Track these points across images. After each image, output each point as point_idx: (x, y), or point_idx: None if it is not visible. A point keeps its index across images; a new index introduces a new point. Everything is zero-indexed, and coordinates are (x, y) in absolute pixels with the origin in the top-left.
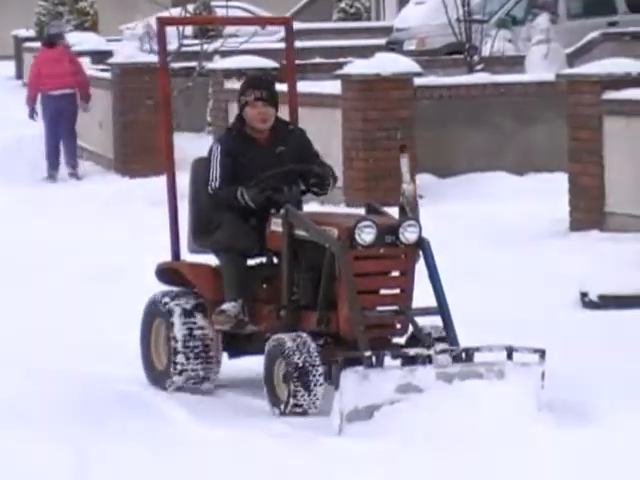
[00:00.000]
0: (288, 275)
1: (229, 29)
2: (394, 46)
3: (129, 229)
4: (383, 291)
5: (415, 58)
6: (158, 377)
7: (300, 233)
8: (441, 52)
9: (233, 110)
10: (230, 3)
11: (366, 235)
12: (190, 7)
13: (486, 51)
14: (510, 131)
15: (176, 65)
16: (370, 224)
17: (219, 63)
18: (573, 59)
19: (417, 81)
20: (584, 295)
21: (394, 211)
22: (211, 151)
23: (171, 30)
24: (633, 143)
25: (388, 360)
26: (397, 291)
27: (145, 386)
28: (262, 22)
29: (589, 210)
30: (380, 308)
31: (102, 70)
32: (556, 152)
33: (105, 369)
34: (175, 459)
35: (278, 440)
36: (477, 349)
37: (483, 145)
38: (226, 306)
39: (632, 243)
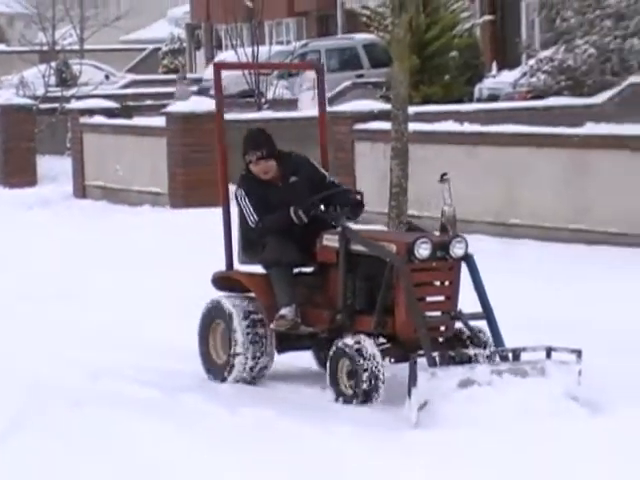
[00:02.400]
0: (343, 284)
1: (82, 79)
2: (204, 91)
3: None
4: (434, 298)
5: None
6: (217, 371)
7: (355, 247)
8: (237, 96)
9: (86, 139)
10: (83, 61)
11: (423, 250)
12: (53, 63)
13: (270, 95)
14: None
15: (43, 106)
16: (427, 241)
17: (75, 104)
18: (333, 101)
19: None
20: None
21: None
22: (237, 196)
23: (38, 80)
24: (375, 160)
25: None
26: (445, 298)
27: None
28: (295, 67)
29: None
30: (430, 313)
31: None
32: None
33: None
34: (252, 447)
35: (357, 431)
36: (523, 349)
37: None
38: (284, 311)
39: None
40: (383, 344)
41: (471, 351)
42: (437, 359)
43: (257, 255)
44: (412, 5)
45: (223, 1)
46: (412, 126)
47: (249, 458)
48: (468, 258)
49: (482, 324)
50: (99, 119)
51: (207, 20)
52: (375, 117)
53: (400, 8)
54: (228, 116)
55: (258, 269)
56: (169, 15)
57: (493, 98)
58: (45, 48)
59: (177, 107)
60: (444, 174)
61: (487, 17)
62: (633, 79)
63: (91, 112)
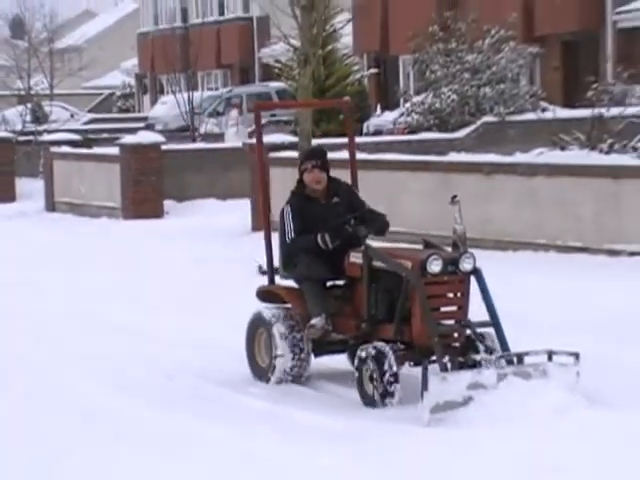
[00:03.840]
0: (367, 296)
1: (52, 117)
2: (149, 127)
3: None
4: (446, 308)
5: (161, 134)
6: (261, 372)
7: (377, 264)
8: (176, 130)
9: (55, 165)
10: (53, 103)
11: (435, 266)
12: (28, 105)
13: (202, 130)
14: (218, 174)
15: (20, 138)
16: (438, 257)
17: (46, 137)
18: (252, 134)
19: (164, 147)
20: (260, 267)
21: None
22: (283, 211)
23: (17, 118)
24: (285, 182)
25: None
26: (456, 308)
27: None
28: (327, 104)
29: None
30: (444, 322)
31: None
32: (244, 185)
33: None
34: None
35: (378, 425)
36: (526, 353)
37: (204, 182)
38: (314, 321)
39: None
40: (401, 350)
41: (478, 356)
42: (447, 364)
43: (292, 271)
44: (314, 60)
45: (164, 56)
46: None
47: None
48: (477, 272)
49: (490, 331)
50: (65, 149)
51: (152, 71)
52: (286, 147)
53: (305, 62)
54: (168, 146)
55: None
56: (122, 67)
57: (378, 132)
58: (22, 92)
59: (127, 139)
60: (454, 196)
61: (373, 70)
62: (486, 119)
63: (59, 143)
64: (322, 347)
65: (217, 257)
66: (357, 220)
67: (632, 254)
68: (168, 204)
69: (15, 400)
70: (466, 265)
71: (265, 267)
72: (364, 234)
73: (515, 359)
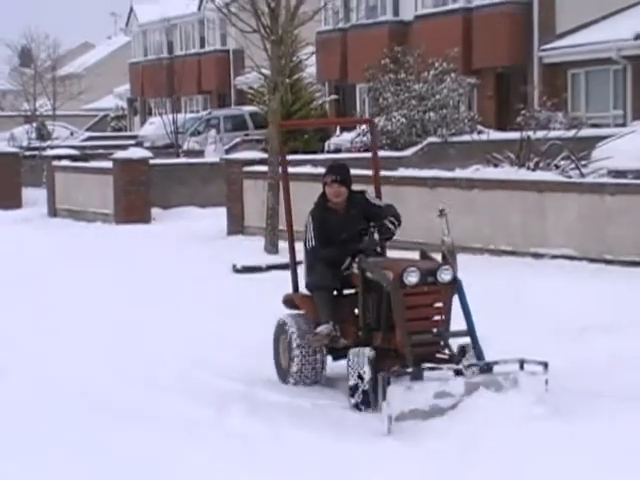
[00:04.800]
0: (363, 305)
1: (54, 135)
2: (139, 144)
3: None
4: (428, 318)
5: (149, 150)
6: (283, 375)
7: (369, 275)
8: (163, 147)
9: (57, 176)
10: (55, 123)
11: (411, 278)
12: (34, 124)
13: (185, 147)
14: (197, 186)
15: (27, 153)
16: (414, 269)
17: (49, 152)
18: (229, 151)
19: (151, 162)
20: (234, 266)
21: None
22: (307, 223)
23: (24, 135)
24: (257, 192)
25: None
26: (437, 318)
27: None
28: (351, 122)
29: (236, 224)
30: (423, 331)
31: None
32: (220, 196)
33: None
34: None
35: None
36: (496, 362)
37: (187, 193)
38: (319, 328)
39: (257, 241)
40: (380, 359)
41: (445, 366)
42: (421, 373)
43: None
44: (282, 87)
45: (152, 82)
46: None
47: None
48: (457, 283)
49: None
50: (66, 162)
51: (141, 95)
52: (257, 163)
53: (274, 89)
54: (155, 161)
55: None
56: (115, 92)
57: (337, 150)
58: (28, 113)
59: (119, 155)
60: (442, 210)
61: (333, 96)
62: (430, 139)
63: (60, 158)
64: (338, 352)
65: (198, 256)
66: (373, 229)
67: (554, 257)
68: (155, 211)
69: (17, 386)
70: (444, 276)
71: (239, 266)
72: (374, 245)
73: (484, 368)
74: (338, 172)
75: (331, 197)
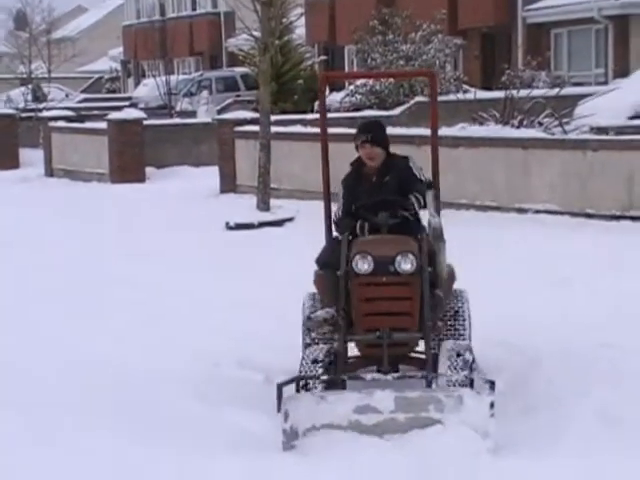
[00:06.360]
0: (343, 292)
1: (50, 97)
2: (133, 105)
3: None
4: (389, 313)
5: (143, 111)
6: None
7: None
8: (157, 108)
9: (53, 137)
10: (51, 85)
11: (361, 265)
12: (30, 86)
13: (178, 108)
14: (190, 146)
15: (23, 115)
16: (365, 256)
17: (45, 114)
18: (222, 111)
19: (145, 122)
20: (227, 223)
21: None
22: (337, 189)
23: (20, 97)
24: (249, 152)
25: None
26: (402, 314)
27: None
28: (411, 74)
29: (228, 183)
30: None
31: None
32: (212, 155)
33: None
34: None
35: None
36: (436, 376)
37: (180, 152)
38: (316, 313)
39: (249, 199)
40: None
41: (369, 375)
42: (334, 381)
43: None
44: (272, 48)
45: (145, 45)
46: (273, 129)
47: None
48: (422, 274)
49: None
50: (62, 123)
51: (135, 58)
52: (248, 122)
53: (264, 50)
54: (149, 122)
55: None
56: (109, 54)
57: (328, 110)
58: (24, 76)
59: (114, 116)
60: (430, 185)
61: (322, 57)
62: (417, 99)
63: (56, 119)
64: None
65: (192, 214)
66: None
67: (537, 212)
68: (149, 170)
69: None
70: (403, 266)
71: (232, 223)
72: (383, 222)
73: (424, 381)
74: (370, 130)
75: (365, 159)
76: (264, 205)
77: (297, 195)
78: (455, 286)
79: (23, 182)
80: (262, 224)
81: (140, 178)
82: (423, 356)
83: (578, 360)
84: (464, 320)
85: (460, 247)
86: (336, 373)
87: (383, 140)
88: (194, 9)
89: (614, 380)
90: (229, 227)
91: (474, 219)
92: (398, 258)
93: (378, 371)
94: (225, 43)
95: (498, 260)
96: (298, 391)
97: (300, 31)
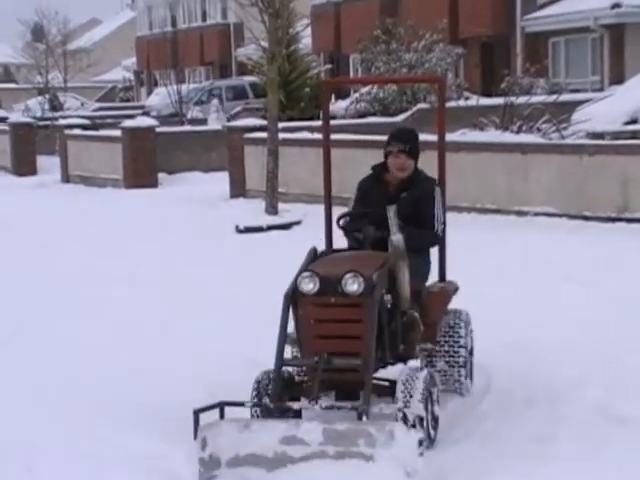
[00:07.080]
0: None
1: (66, 106)
2: (146, 113)
3: None
4: (344, 337)
5: (155, 119)
6: None
7: None
8: (168, 116)
9: (69, 144)
10: (67, 94)
11: (305, 285)
12: (47, 96)
13: (189, 116)
14: (201, 152)
15: (40, 123)
16: (310, 275)
17: (61, 122)
18: (231, 118)
19: (157, 130)
20: (237, 227)
21: None
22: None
23: (37, 106)
24: (257, 157)
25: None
26: (353, 338)
27: None
28: (420, 80)
29: (238, 188)
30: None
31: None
32: (222, 161)
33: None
34: None
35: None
36: (367, 409)
37: (191, 158)
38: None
39: (258, 204)
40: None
41: (296, 404)
42: (270, 406)
43: None
44: (280, 58)
45: (157, 55)
46: (281, 135)
47: None
48: (370, 296)
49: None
50: (77, 131)
51: (147, 67)
52: (257, 129)
53: (272, 60)
54: (161, 129)
55: None
56: (122, 64)
57: (333, 118)
58: (41, 86)
59: (127, 124)
60: (390, 207)
61: (328, 66)
62: (420, 106)
63: (72, 127)
64: None
65: (203, 218)
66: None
67: (536, 214)
68: (161, 176)
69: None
70: (349, 287)
71: (241, 227)
72: (370, 236)
73: (355, 413)
74: (408, 140)
75: (394, 169)
76: (272, 209)
77: (304, 199)
78: (458, 306)
79: (40, 188)
80: (270, 227)
81: (153, 183)
82: (387, 383)
83: (577, 360)
84: (455, 342)
85: (461, 248)
86: (280, 399)
87: (417, 153)
88: (204, 20)
89: (614, 379)
90: (238, 230)
91: (475, 221)
92: (345, 278)
93: (310, 400)
94: (234, 53)
95: (498, 260)
96: (222, 417)
97: (306, 41)
